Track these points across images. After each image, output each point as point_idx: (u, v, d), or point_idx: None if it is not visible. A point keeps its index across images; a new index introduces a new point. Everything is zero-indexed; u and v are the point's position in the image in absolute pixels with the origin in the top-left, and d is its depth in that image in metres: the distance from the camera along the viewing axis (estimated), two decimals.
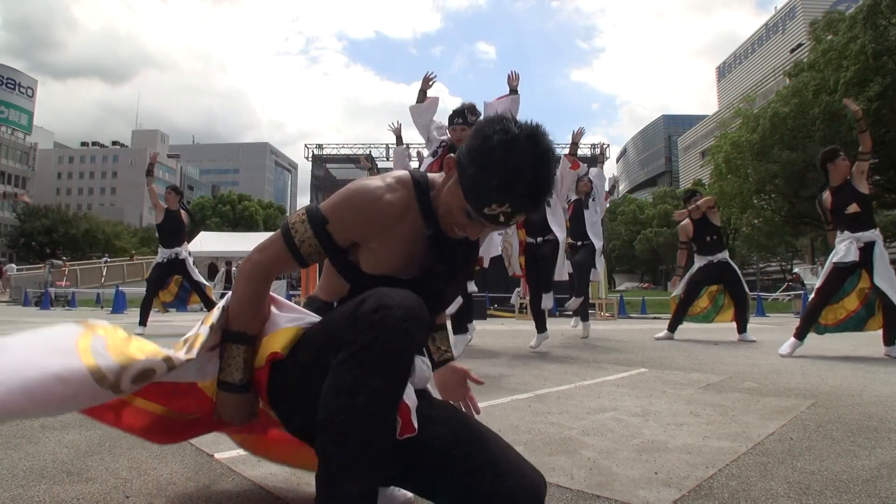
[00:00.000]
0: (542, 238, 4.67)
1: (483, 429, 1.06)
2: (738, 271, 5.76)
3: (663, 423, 2.10)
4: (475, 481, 0.94)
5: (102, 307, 15.90)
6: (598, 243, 5.78)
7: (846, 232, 4.25)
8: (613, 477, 1.47)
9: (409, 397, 0.95)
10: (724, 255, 5.72)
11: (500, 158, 0.94)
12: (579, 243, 5.77)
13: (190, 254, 6.30)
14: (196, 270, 6.24)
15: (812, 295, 4.49)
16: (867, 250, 4.12)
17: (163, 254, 6.09)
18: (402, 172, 1.11)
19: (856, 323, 4.29)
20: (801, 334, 4.33)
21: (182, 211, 6.23)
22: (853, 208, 4.22)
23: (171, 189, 6.36)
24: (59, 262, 20.40)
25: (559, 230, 4.61)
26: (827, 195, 4.43)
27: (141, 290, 6.80)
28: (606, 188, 6.41)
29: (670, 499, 1.31)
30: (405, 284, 1.01)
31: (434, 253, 1.07)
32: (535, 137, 0.96)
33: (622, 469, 1.53)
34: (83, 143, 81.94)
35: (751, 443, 1.80)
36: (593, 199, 5.81)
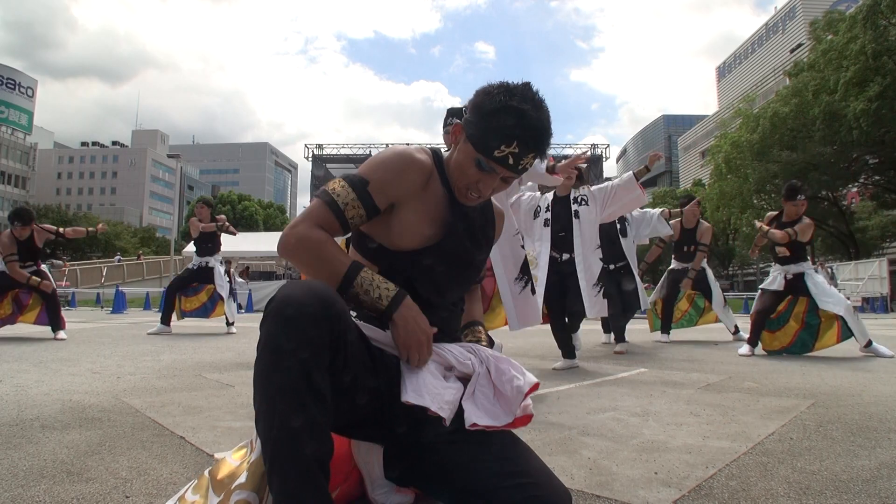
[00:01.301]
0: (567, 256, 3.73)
1: (517, 438, 1.08)
2: (711, 277, 5.76)
3: (663, 423, 2.10)
4: (507, 488, 0.95)
5: (102, 307, 15.90)
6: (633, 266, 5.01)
7: (776, 264, 4.65)
8: (613, 477, 1.47)
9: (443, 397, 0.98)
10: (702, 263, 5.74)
11: (503, 102, 1.03)
12: (612, 266, 4.85)
13: (223, 262, 6.62)
14: (224, 280, 6.47)
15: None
16: (796, 280, 4.48)
17: (195, 261, 6.45)
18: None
19: (802, 345, 4.49)
20: (753, 341, 4.56)
21: (213, 223, 6.50)
22: (783, 251, 4.53)
23: (203, 203, 6.60)
24: (60, 262, 20.37)
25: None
26: (772, 222, 4.61)
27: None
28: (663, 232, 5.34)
29: (670, 499, 1.31)
30: (431, 255, 1.09)
31: (453, 216, 1.13)
32: (529, 85, 1.07)
33: (622, 469, 1.53)
34: (83, 143, 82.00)
35: (751, 443, 1.79)
36: (628, 225, 5.07)
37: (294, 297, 0.88)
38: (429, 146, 1.19)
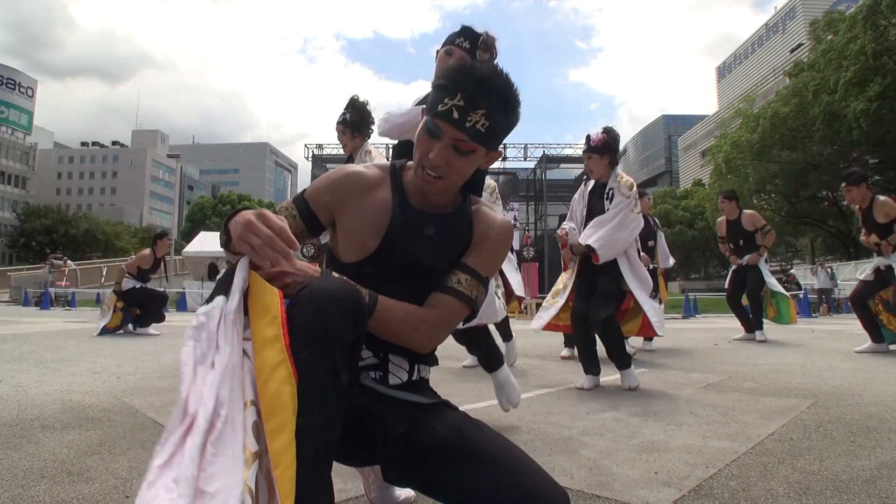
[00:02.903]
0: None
1: (511, 443, 1.07)
2: (763, 273, 5.47)
3: (663, 423, 2.10)
4: (503, 497, 0.94)
5: None
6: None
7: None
8: (613, 477, 1.47)
9: None
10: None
11: (454, 65, 1.02)
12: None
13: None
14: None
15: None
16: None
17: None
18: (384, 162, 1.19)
19: None
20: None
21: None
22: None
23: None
24: (59, 262, 20.38)
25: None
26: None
27: None
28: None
29: (670, 499, 1.31)
30: (376, 263, 1.05)
31: (396, 222, 1.07)
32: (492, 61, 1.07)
33: (622, 469, 1.53)
34: (83, 143, 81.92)
35: (751, 443, 1.79)
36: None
37: (328, 290, 0.88)
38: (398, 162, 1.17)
